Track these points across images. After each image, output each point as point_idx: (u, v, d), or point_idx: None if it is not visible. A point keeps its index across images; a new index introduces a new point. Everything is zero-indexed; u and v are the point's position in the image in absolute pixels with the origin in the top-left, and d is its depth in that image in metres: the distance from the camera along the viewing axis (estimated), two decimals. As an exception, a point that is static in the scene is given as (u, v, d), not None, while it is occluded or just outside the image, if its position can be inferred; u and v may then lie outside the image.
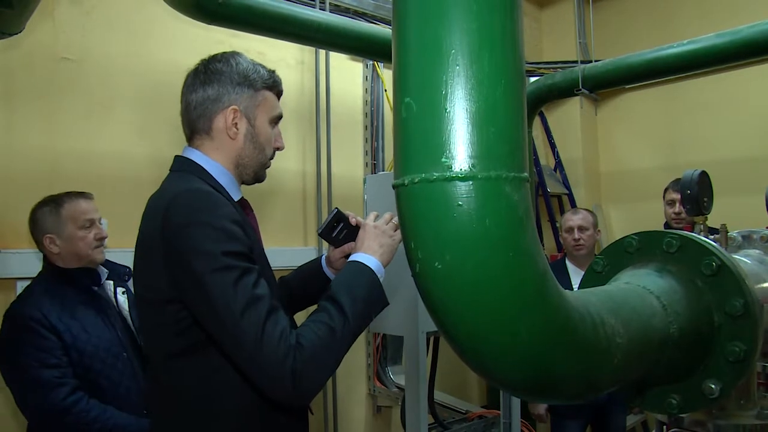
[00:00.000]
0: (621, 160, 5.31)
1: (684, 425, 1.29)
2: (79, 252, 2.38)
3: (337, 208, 1.80)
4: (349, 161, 4.01)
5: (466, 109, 0.78)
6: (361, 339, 4.00)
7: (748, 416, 1.30)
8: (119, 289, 2.53)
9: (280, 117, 1.71)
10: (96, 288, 2.45)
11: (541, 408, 3.74)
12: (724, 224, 1.55)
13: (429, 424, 2.96)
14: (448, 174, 0.77)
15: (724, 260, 1.14)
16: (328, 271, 1.86)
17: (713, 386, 1.12)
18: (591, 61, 4.41)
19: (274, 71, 1.69)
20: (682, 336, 1.07)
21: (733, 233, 1.81)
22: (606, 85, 4.25)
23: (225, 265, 1.36)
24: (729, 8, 4.58)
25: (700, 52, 3.67)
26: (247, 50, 1.70)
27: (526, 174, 0.80)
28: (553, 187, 5.00)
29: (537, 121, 5.01)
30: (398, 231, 1.68)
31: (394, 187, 0.83)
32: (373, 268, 1.59)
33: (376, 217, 1.73)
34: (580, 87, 4.02)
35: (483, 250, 0.77)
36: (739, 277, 1.13)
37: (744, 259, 1.61)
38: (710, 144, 4.75)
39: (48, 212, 2.37)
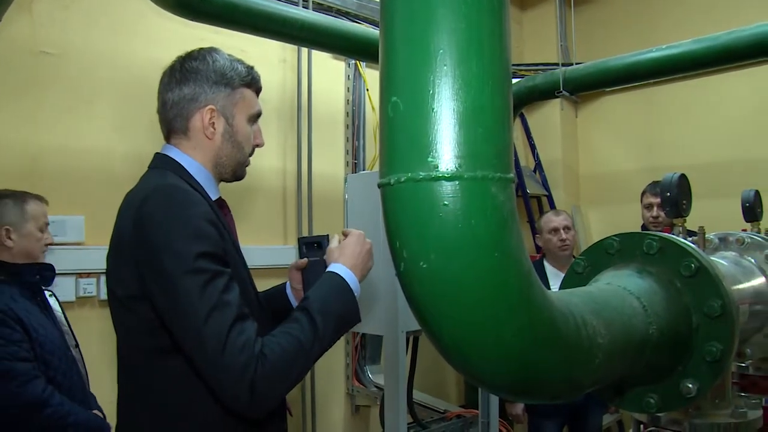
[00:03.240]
0: (600, 163, 5.36)
1: (661, 424, 1.30)
2: (32, 251, 2.39)
3: (328, 235, 1.78)
4: (330, 160, 4.00)
5: (453, 109, 0.78)
6: (340, 338, 4.00)
7: (723, 415, 1.32)
8: (46, 292, 2.55)
9: (259, 114, 1.69)
10: (42, 286, 2.46)
11: (518, 408, 3.77)
12: (702, 227, 1.57)
13: (408, 424, 2.96)
14: (435, 174, 0.77)
15: (702, 262, 1.16)
16: (291, 295, 1.83)
17: (691, 386, 1.14)
18: (572, 64, 4.44)
19: (252, 67, 1.67)
20: (661, 336, 1.09)
21: (710, 235, 1.83)
22: (586, 87, 4.29)
23: (195, 267, 1.33)
24: (707, 15, 4.65)
25: (678, 57, 3.73)
26: (228, 47, 1.68)
27: (512, 175, 0.80)
28: (532, 188, 5.04)
29: (517, 122, 5.05)
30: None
31: (379, 186, 0.83)
32: (351, 285, 1.56)
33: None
34: (561, 89, 4.05)
35: (468, 250, 0.77)
36: (717, 279, 1.14)
37: (721, 261, 1.63)
38: (687, 148, 4.81)
39: (11, 205, 2.36)
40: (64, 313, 2.56)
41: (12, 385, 2.17)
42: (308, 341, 1.41)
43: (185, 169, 1.56)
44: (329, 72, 4.06)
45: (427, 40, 0.80)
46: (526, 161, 5.28)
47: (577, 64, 4.38)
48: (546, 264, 3.74)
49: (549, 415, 3.69)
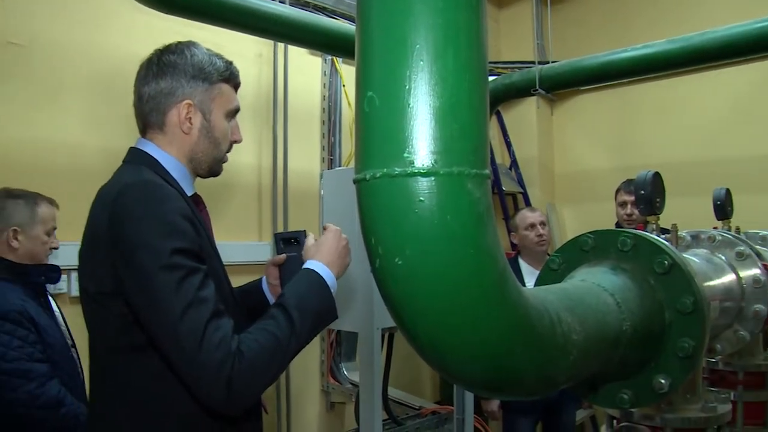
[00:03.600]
0: (575, 161, 5.40)
1: (634, 419, 1.32)
2: (37, 254, 2.38)
3: (305, 230, 1.77)
4: (305, 156, 3.98)
5: (430, 105, 0.77)
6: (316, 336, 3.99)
7: (693, 409, 1.33)
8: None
9: (237, 110, 1.67)
10: (46, 285, 2.44)
11: (493, 404, 3.78)
12: (675, 224, 1.59)
13: (383, 421, 2.96)
14: (410, 169, 0.77)
15: (675, 259, 1.17)
16: (267, 291, 1.82)
17: (663, 381, 1.15)
18: (548, 62, 4.48)
19: (231, 62, 1.65)
20: (635, 333, 1.10)
21: (682, 233, 1.85)
22: (562, 86, 4.33)
23: (171, 264, 1.32)
24: (681, 16, 4.71)
25: (652, 57, 3.78)
26: (204, 41, 1.66)
27: (488, 171, 0.80)
28: (508, 185, 5.06)
29: (493, 120, 5.07)
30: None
31: (355, 182, 0.82)
32: (328, 282, 1.55)
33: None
34: (537, 87, 4.08)
35: (444, 247, 0.77)
36: (689, 276, 1.16)
37: (693, 258, 1.66)
38: (661, 146, 4.87)
39: (23, 205, 2.34)
40: (62, 313, 2.54)
41: (32, 386, 2.19)
42: (285, 338, 1.40)
43: (160, 164, 1.54)
44: (306, 68, 4.04)
45: (403, 36, 0.79)
46: (502, 159, 5.30)
47: (553, 62, 4.41)
48: (521, 261, 3.76)
49: (523, 412, 3.71)
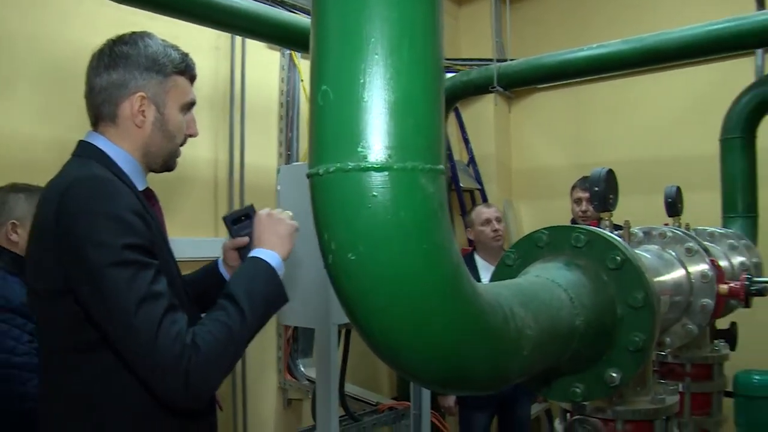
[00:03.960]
0: (532, 158, 5.47)
1: (586, 412, 1.34)
2: None
3: (252, 204, 1.76)
4: (263, 151, 3.94)
5: (384, 99, 0.77)
6: (272, 332, 3.96)
7: (643, 401, 1.36)
8: None
9: (192, 103, 1.64)
10: None
11: (449, 400, 3.81)
12: (628, 221, 1.62)
13: (340, 417, 2.95)
14: (364, 164, 0.76)
15: (627, 255, 1.19)
16: (224, 272, 1.80)
17: (614, 375, 1.17)
18: (506, 60, 4.51)
19: (187, 54, 1.62)
20: (587, 327, 1.11)
21: (635, 229, 1.89)
22: (519, 83, 4.38)
23: (122, 259, 1.30)
24: (637, 17, 4.81)
25: (607, 57, 3.85)
26: (159, 33, 1.63)
27: (442, 166, 0.80)
28: (465, 182, 5.09)
29: (452, 116, 5.09)
30: (291, 218, 1.65)
31: (308, 176, 0.81)
32: (272, 263, 1.54)
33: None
34: (495, 84, 4.11)
35: (397, 242, 0.77)
36: (640, 271, 1.18)
37: (644, 254, 1.69)
38: (615, 145, 4.97)
39: (23, 199, 2.31)
40: None
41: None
42: (237, 327, 1.40)
43: (110, 158, 1.50)
44: (264, 61, 3.99)
45: (359, 29, 0.78)
46: (459, 155, 5.33)
47: (511, 60, 4.45)
48: (477, 257, 3.80)
49: (479, 407, 3.75)
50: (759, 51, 4.36)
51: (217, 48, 3.70)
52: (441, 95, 0.82)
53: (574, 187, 3.96)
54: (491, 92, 4.27)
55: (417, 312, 0.79)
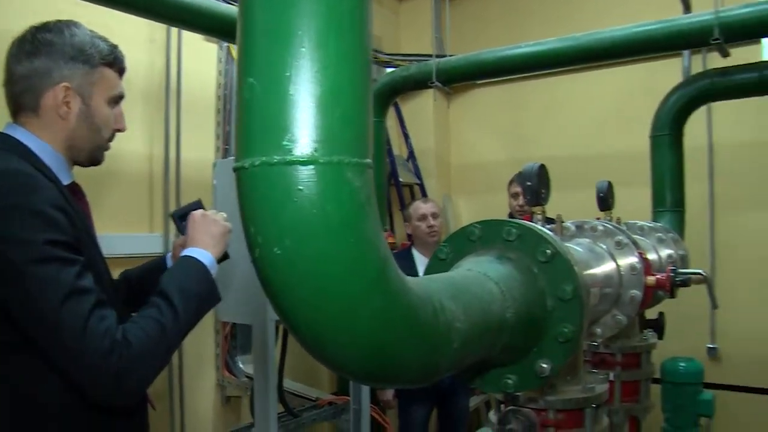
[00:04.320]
0: (471, 153, 5.54)
1: (519, 403, 1.36)
2: None
3: (200, 200, 1.73)
4: (200, 145, 3.86)
5: (311, 93, 0.76)
6: (210, 328, 3.89)
7: (574, 390, 1.40)
8: None
9: (121, 96, 1.59)
10: None
11: (388, 394, 3.83)
12: (560, 215, 1.65)
13: (279, 413, 2.93)
14: (290, 158, 0.76)
15: (557, 248, 1.21)
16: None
17: (545, 366, 1.19)
18: (445, 56, 4.55)
19: (116, 46, 1.57)
20: (518, 320, 1.13)
21: (567, 223, 1.93)
22: (458, 79, 4.42)
23: (45, 256, 1.26)
24: (574, 16, 4.94)
25: (544, 54, 3.92)
26: (90, 23, 1.57)
27: (369, 160, 0.80)
28: (405, 176, 5.12)
29: (391, 111, 5.10)
30: (226, 219, 1.64)
31: (234, 170, 0.80)
32: (204, 262, 1.53)
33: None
34: (434, 80, 4.13)
35: (323, 236, 0.77)
36: (570, 264, 1.20)
37: (576, 248, 1.73)
38: (552, 140, 5.08)
39: None
40: None
41: None
42: (170, 324, 1.38)
43: (32, 151, 1.44)
44: (201, 54, 3.91)
45: (285, 22, 0.78)
46: (399, 150, 5.35)
47: (450, 56, 4.49)
48: (414, 251, 3.82)
49: (418, 400, 3.78)
50: (686, 52, 4.54)
51: (153, 40, 3.61)
52: (369, 89, 0.82)
53: (511, 182, 4.03)
54: (430, 87, 4.29)
55: (344, 306, 0.79)
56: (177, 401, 3.69)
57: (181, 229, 1.74)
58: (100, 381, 1.27)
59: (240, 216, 0.82)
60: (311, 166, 0.76)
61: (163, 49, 3.65)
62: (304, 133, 0.76)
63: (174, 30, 3.63)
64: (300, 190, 0.76)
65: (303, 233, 0.76)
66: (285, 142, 0.75)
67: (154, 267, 1.80)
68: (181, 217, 1.73)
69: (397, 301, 0.84)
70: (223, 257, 1.65)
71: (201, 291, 1.49)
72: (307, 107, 0.76)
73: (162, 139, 3.63)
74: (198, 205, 1.73)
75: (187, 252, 1.55)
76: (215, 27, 3.18)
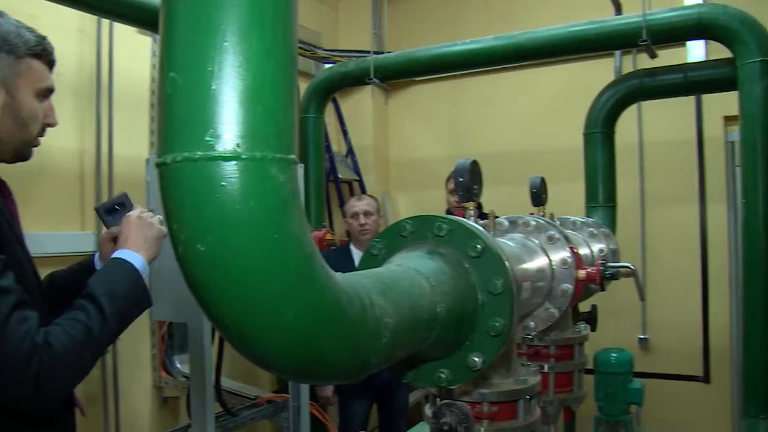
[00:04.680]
0: (409, 149, 5.58)
1: (454, 396, 1.38)
2: None
3: (126, 193, 1.69)
4: (133, 140, 3.76)
5: (234, 88, 0.75)
6: (145, 328, 3.81)
7: (507, 383, 1.42)
8: None
9: (50, 90, 1.53)
10: None
11: (328, 390, 3.83)
12: (493, 210, 1.67)
13: (217, 413, 2.89)
14: (212, 153, 0.75)
15: (488, 243, 1.23)
16: (99, 267, 1.71)
17: (477, 359, 1.21)
18: (384, 53, 4.56)
19: (45, 38, 1.51)
20: (449, 314, 1.14)
21: (501, 219, 1.96)
22: (396, 76, 4.45)
23: None
24: (510, 15, 5.03)
25: (480, 52, 3.99)
26: (16, 13, 1.50)
27: (293, 156, 0.80)
28: (344, 173, 5.12)
29: (330, 107, 5.09)
30: (162, 222, 1.61)
31: (156, 166, 0.79)
32: (136, 265, 1.49)
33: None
34: (372, 76, 4.14)
35: (246, 232, 0.76)
36: (500, 259, 1.22)
37: (508, 242, 1.76)
38: (489, 136, 5.17)
39: None
40: None
41: None
42: (96, 327, 1.33)
43: None
44: (133, 47, 3.80)
45: (208, 15, 0.77)
46: (338, 146, 5.34)
47: (388, 52, 4.51)
48: (352, 248, 3.83)
49: (357, 395, 3.79)
50: (618, 52, 4.67)
51: (82, 31, 3.49)
52: (294, 84, 0.81)
53: (449, 178, 4.07)
54: (368, 84, 4.30)
55: (269, 303, 0.79)
56: (111, 404, 3.59)
57: (107, 224, 1.69)
58: (17, 386, 1.21)
59: (163, 213, 0.80)
60: (234, 162, 0.75)
61: (94, 40, 3.54)
62: (227, 128, 0.75)
63: (105, 21, 3.53)
64: (223, 186, 0.75)
65: (226, 229, 0.76)
66: (207, 138, 0.74)
67: (82, 268, 1.73)
68: (107, 211, 1.68)
69: (323, 296, 0.84)
70: None
71: (131, 294, 1.45)
72: (229, 102, 0.75)
73: (93, 134, 3.52)
74: (124, 198, 1.68)
75: (118, 254, 1.51)
76: (147, 19, 3.11)
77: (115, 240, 1.65)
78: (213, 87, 0.75)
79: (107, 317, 1.35)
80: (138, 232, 1.55)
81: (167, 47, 0.79)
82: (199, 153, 0.74)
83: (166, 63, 0.79)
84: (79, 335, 1.30)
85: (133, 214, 1.59)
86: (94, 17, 3.45)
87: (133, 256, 1.50)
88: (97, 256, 1.74)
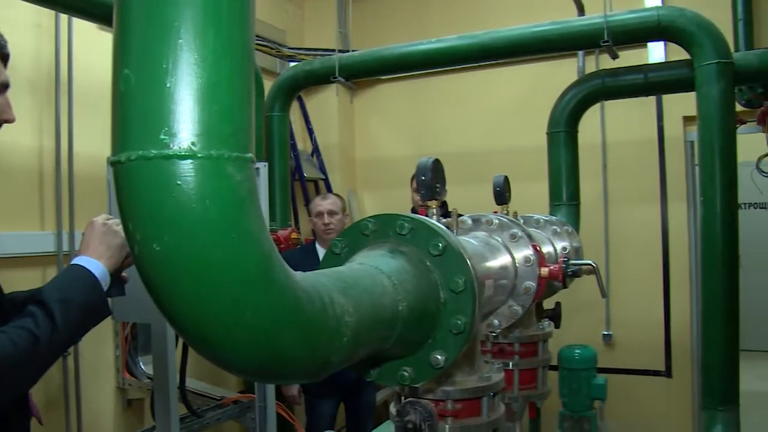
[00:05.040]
0: (375, 148, 5.58)
1: (419, 394, 1.38)
2: None
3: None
4: (94, 139, 3.68)
5: (189, 85, 0.75)
6: (108, 329, 3.74)
7: (471, 380, 1.43)
8: None
9: (5, 85, 1.49)
10: None
11: (294, 389, 3.81)
12: (455, 209, 1.68)
13: (182, 415, 2.86)
14: (167, 152, 0.74)
15: (449, 241, 1.24)
16: None
17: (439, 357, 1.22)
18: (349, 51, 4.56)
19: None
20: (411, 312, 1.14)
21: (464, 217, 1.97)
22: (361, 74, 4.45)
23: None
24: (474, 15, 5.08)
25: (444, 51, 4.01)
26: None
27: (250, 155, 0.79)
28: (309, 172, 5.10)
29: (295, 106, 5.07)
30: None
31: (110, 164, 0.77)
32: (95, 273, 1.43)
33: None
34: (337, 75, 4.14)
35: (203, 232, 0.75)
36: (462, 257, 1.23)
37: (471, 241, 1.76)
38: (455, 135, 5.20)
39: None
40: None
41: None
42: (45, 336, 1.28)
43: None
44: (94, 43, 3.72)
45: (163, 12, 0.76)
46: (303, 145, 5.32)
47: (353, 51, 4.50)
48: (317, 247, 3.82)
49: (324, 394, 3.78)
50: (580, 53, 4.74)
51: (39, 25, 3.41)
52: (249, 81, 0.81)
53: (413, 177, 4.08)
54: (333, 82, 4.30)
55: (227, 302, 0.78)
56: (73, 408, 3.52)
57: None
58: None
59: (118, 212, 0.79)
60: (189, 161, 0.74)
61: (52, 35, 3.46)
62: (183, 126, 0.74)
63: (64, 16, 3.45)
64: (179, 185, 0.74)
65: (182, 229, 0.75)
66: (162, 136, 0.73)
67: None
68: None
69: (282, 295, 0.84)
70: (119, 290, 1.55)
71: (87, 302, 1.39)
72: (184, 100, 0.74)
73: (52, 131, 3.45)
74: None
75: (76, 260, 1.45)
76: (103, 14, 3.05)
77: None
78: (168, 84, 0.74)
79: (58, 325, 1.30)
80: (101, 239, 1.49)
81: (121, 43, 0.78)
82: (154, 151, 0.73)
83: (120, 59, 0.78)
84: (23, 343, 1.24)
85: (99, 219, 1.53)
86: (52, 12, 3.38)
87: (93, 263, 1.44)
88: None
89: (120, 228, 1.52)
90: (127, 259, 1.53)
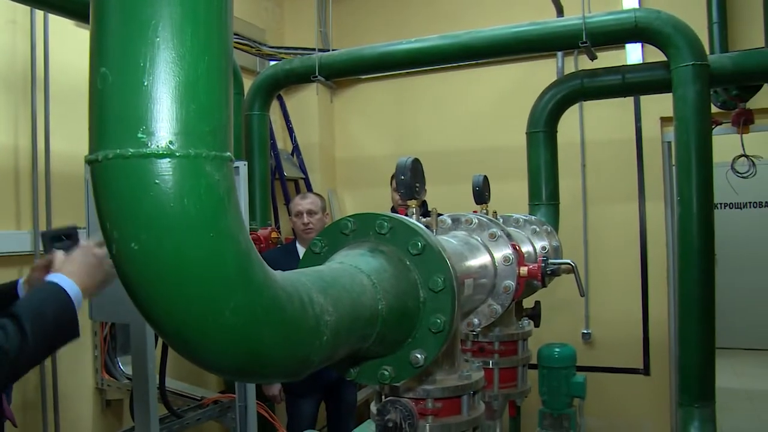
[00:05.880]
0: (355, 147, 5.58)
1: (399, 393, 1.38)
2: None
3: (76, 226, 1.65)
4: (72, 137, 3.63)
5: (166, 84, 0.74)
6: (87, 329, 3.70)
7: (451, 379, 1.44)
8: None
9: None
10: None
11: (275, 389, 3.79)
12: (435, 208, 1.68)
13: (162, 415, 2.84)
14: (145, 150, 0.73)
15: (428, 241, 1.24)
16: (22, 292, 1.65)
17: (419, 356, 1.22)
18: (329, 50, 4.55)
19: None
20: (390, 312, 1.14)
21: (444, 216, 1.98)
22: (341, 73, 4.44)
23: None
24: (455, 15, 5.08)
25: (425, 50, 4.02)
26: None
27: (229, 153, 0.79)
28: (289, 171, 5.08)
29: (275, 105, 5.05)
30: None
31: (87, 162, 0.77)
32: (68, 292, 1.43)
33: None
34: (317, 74, 4.13)
35: (181, 230, 0.75)
36: (441, 256, 1.23)
37: (451, 240, 1.77)
38: (435, 135, 5.21)
39: None
40: None
41: None
42: (13, 349, 1.27)
43: None
44: (71, 40, 3.67)
45: (141, 10, 0.75)
46: (284, 144, 5.31)
47: (333, 50, 4.49)
48: (298, 246, 3.81)
49: (305, 393, 3.77)
50: (559, 53, 4.77)
51: (14, 22, 3.36)
52: (227, 81, 0.80)
53: (393, 177, 4.08)
54: (313, 81, 4.29)
55: (204, 301, 0.78)
56: (51, 409, 3.48)
57: (47, 250, 1.63)
58: None
59: (95, 210, 0.78)
60: (168, 160, 0.74)
61: (27, 32, 3.41)
62: (160, 125, 0.74)
63: (39, 12, 3.41)
64: (156, 183, 0.74)
65: (160, 228, 0.74)
66: (140, 135, 0.73)
67: (6, 293, 1.65)
68: (52, 238, 1.62)
69: (261, 294, 0.84)
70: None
71: (59, 319, 1.39)
72: (162, 99, 0.74)
73: (29, 129, 3.40)
74: (73, 231, 1.63)
75: (52, 277, 1.45)
76: (79, 11, 3.01)
77: (47, 268, 1.58)
78: (145, 83, 0.74)
79: (28, 339, 1.30)
80: (81, 261, 1.49)
81: (98, 41, 0.78)
82: (132, 150, 0.73)
83: (97, 57, 0.77)
84: None
85: (88, 243, 1.54)
86: (27, 8, 3.33)
87: (67, 282, 1.44)
88: (21, 281, 1.67)
89: (101, 251, 1.51)
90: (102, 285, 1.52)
